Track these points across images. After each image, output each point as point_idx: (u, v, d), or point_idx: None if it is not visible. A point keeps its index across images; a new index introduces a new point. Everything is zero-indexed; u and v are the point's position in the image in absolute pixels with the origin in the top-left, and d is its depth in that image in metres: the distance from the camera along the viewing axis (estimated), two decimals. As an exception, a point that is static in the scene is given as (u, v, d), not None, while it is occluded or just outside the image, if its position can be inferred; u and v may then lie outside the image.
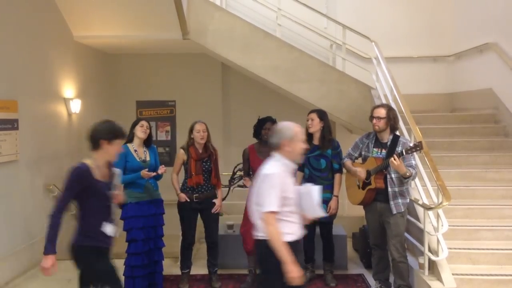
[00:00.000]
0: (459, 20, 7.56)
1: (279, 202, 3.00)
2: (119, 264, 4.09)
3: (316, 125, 4.82)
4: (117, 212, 3.26)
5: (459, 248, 4.42)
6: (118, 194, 3.28)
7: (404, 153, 4.16)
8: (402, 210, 4.31)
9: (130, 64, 8.31)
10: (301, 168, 4.92)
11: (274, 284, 3.04)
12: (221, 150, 5.26)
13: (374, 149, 4.43)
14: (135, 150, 4.56)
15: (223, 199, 5.24)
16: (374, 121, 4.36)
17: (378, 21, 7.72)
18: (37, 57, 5.79)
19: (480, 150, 5.84)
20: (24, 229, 5.42)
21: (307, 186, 3.21)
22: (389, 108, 4.43)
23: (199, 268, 5.33)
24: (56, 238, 2.96)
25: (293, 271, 2.95)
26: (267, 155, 4.88)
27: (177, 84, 8.34)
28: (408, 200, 4.39)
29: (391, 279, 4.52)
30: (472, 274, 4.20)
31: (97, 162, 3.08)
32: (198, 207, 4.88)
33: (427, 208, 4.32)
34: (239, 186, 6.00)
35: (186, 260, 5.01)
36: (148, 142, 4.71)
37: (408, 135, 5.02)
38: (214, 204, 4.91)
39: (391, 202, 4.28)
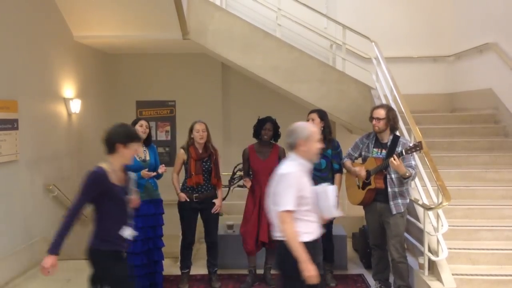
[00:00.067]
0: (459, 20, 7.56)
1: (296, 201, 3.01)
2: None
3: (316, 125, 4.81)
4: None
5: (459, 248, 4.42)
6: (134, 198, 3.28)
7: (404, 153, 4.16)
8: (402, 211, 4.30)
9: (130, 64, 8.31)
10: (301, 168, 4.93)
11: (295, 285, 3.05)
12: (221, 150, 5.26)
13: (374, 149, 4.43)
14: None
15: (223, 199, 5.24)
16: (374, 122, 4.36)
17: (378, 21, 7.72)
18: (37, 57, 5.79)
19: (480, 150, 5.84)
20: (24, 229, 5.42)
21: (323, 186, 3.23)
22: (388, 109, 4.43)
23: (199, 268, 5.33)
24: (63, 241, 2.96)
25: (310, 270, 2.97)
26: (267, 155, 4.96)
27: (177, 84, 8.34)
28: (408, 200, 4.39)
29: (391, 279, 4.52)
30: (472, 274, 4.20)
31: (113, 166, 3.07)
32: (198, 207, 4.88)
33: (427, 208, 4.32)
34: (239, 186, 6.00)
35: (186, 260, 5.01)
36: (147, 142, 4.72)
37: (408, 135, 5.02)
38: (214, 204, 4.91)
39: (391, 203, 4.28)
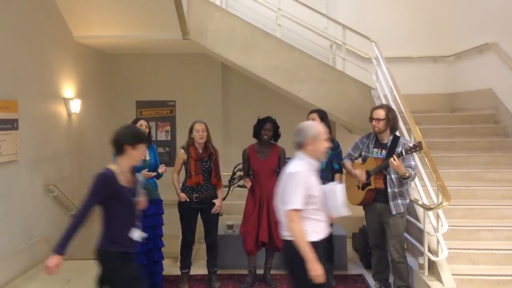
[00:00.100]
0: (459, 20, 7.55)
1: (304, 200, 3.02)
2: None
3: (316, 125, 4.82)
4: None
5: (459, 249, 4.42)
6: (142, 200, 3.30)
7: (403, 153, 4.16)
8: (402, 211, 4.30)
9: (130, 64, 8.31)
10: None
11: (304, 285, 3.05)
12: (221, 150, 5.26)
13: (374, 149, 4.43)
14: (135, 150, 4.55)
15: (223, 199, 5.24)
16: (374, 122, 4.37)
17: (378, 21, 7.72)
18: (37, 57, 5.79)
19: (480, 150, 5.84)
20: (24, 229, 5.41)
21: (331, 185, 3.24)
22: (388, 109, 4.42)
23: (199, 268, 5.33)
24: (69, 241, 2.96)
25: (316, 269, 2.97)
26: (267, 155, 4.96)
27: (177, 84, 8.34)
28: (407, 200, 4.39)
29: (391, 279, 4.52)
30: (472, 275, 4.20)
31: (122, 167, 3.08)
32: (198, 207, 4.88)
33: (427, 208, 4.32)
34: (239, 186, 6.00)
35: (186, 260, 5.01)
36: (147, 142, 4.72)
37: (408, 135, 5.02)
38: (214, 204, 4.91)
39: (391, 203, 4.28)
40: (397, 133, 4.56)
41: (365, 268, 5.51)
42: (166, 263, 5.17)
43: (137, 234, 3.14)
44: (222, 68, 8.21)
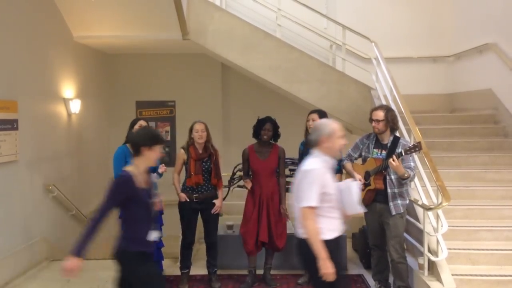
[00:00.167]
0: (458, 20, 7.56)
1: (319, 197, 3.03)
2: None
3: (316, 126, 4.82)
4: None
5: (459, 249, 4.42)
6: (158, 201, 3.36)
7: (403, 153, 4.16)
8: (401, 211, 4.30)
9: (129, 64, 8.32)
10: (300, 168, 4.93)
11: (322, 282, 3.05)
12: (220, 150, 5.26)
13: (374, 150, 4.43)
14: (135, 150, 4.55)
15: (223, 199, 5.24)
16: (374, 123, 4.37)
17: (378, 21, 7.73)
18: (37, 57, 5.79)
19: (479, 151, 5.85)
20: (24, 229, 5.41)
21: (347, 182, 3.25)
22: (387, 110, 4.42)
23: (199, 268, 5.33)
24: (87, 244, 2.99)
25: (328, 267, 2.99)
26: (267, 155, 4.96)
27: (177, 84, 8.34)
28: (407, 201, 4.39)
29: (391, 279, 4.52)
30: (471, 275, 4.20)
31: (139, 168, 3.14)
32: (198, 207, 4.88)
33: (426, 208, 4.32)
34: (239, 186, 6.00)
35: (185, 260, 5.01)
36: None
37: (407, 136, 5.02)
38: (214, 204, 4.91)
39: (390, 203, 4.28)
40: (397, 134, 4.56)
41: (365, 268, 5.50)
42: (166, 263, 5.17)
43: (154, 235, 3.20)
44: (222, 68, 8.21)
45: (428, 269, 4.27)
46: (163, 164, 4.72)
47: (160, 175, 4.73)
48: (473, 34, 7.05)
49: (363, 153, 4.52)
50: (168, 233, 5.01)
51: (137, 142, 3.15)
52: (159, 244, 4.77)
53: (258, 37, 6.69)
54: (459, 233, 4.60)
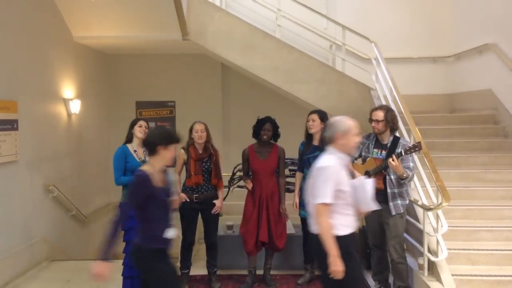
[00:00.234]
0: (458, 21, 7.56)
1: (333, 194, 3.05)
2: (118, 264, 4.10)
3: (317, 126, 4.81)
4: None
5: (459, 249, 4.42)
6: (175, 199, 3.40)
7: (403, 153, 4.16)
8: (401, 211, 4.30)
9: (129, 64, 8.32)
10: (300, 168, 4.93)
11: (343, 283, 3.06)
12: (220, 150, 5.26)
13: (374, 150, 4.43)
14: (135, 151, 4.55)
15: (223, 199, 5.24)
16: (373, 124, 4.37)
17: (377, 22, 7.73)
18: (37, 57, 5.80)
19: (479, 151, 5.85)
20: (24, 230, 5.41)
21: (361, 179, 3.26)
22: (387, 110, 4.41)
23: (199, 268, 5.33)
24: (112, 247, 3.01)
25: (337, 264, 3.00)
26: (266, 155, 4.96)
27: (177, 84, 8.35)
28: (407, 201, 4.39)
29: (391, 279, 4.52)
30: (471, 275, 4.20)
31: (155, 167, 3.18)
32: (198, 207, 4.88)
33: (426, 208, 4.32)
34: (239, 186, 6.00)
35: (185, 260, 5.00)
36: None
37: (407, 136, 5.02)
38: (214, 204, 4.91)
39: (390, 203, 4.28)
40: (397, 134, 4.56)
41: (365, 268, 5.50)
42: (166, 263, 5.16)
43: (171, 233, 3.22)
44: (222, 68, 8.22)
45: (428, 269, 4.26)
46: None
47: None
48: (473, 34, 7.05)
49: (363, 153, 4.52)
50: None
51: (153, 141, 3.18)
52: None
53: (258, 38, 6.70)
54: (459, 233, 4.60)
